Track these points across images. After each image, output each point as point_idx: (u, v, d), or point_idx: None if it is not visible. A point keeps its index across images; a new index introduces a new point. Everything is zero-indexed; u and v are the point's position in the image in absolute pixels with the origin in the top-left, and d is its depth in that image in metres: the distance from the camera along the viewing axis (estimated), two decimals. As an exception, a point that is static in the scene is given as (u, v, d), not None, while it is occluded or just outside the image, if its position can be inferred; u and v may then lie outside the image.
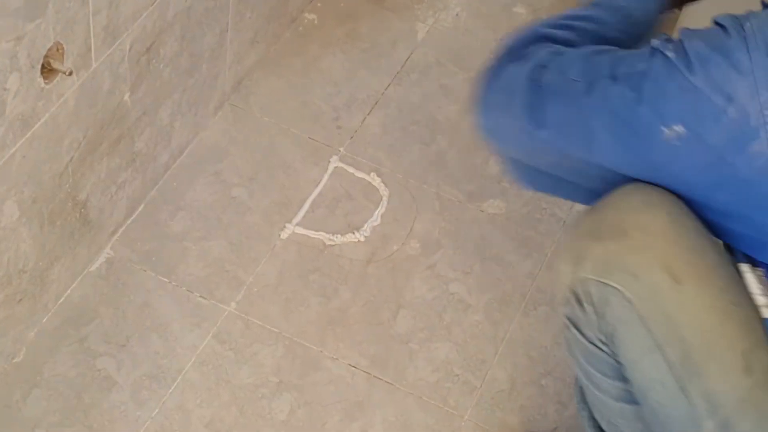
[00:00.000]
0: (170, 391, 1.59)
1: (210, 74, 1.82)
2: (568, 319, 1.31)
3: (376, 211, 1.84)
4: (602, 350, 1.27)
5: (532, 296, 1.76)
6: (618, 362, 1.25)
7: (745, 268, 1.25)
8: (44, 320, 1.62)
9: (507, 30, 2.10)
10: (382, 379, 1.64)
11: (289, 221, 1.80)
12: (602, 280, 1.20)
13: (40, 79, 1.36)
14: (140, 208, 1.77)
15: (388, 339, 1.69)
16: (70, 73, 1.39)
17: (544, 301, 1.75)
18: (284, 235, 1.78)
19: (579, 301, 1.26)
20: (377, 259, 1.78)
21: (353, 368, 1.65)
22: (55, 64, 1.37)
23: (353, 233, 1.80)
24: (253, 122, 1.92)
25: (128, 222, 1.75)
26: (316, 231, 1.80)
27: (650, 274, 1.18)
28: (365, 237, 1.80)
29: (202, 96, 1.84)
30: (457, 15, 2.15)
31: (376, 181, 1.87)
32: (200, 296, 1.69)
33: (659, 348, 1.19)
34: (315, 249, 1.77)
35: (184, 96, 1.76)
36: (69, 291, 1.66)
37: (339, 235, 1.80)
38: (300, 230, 1.79)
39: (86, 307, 1.65)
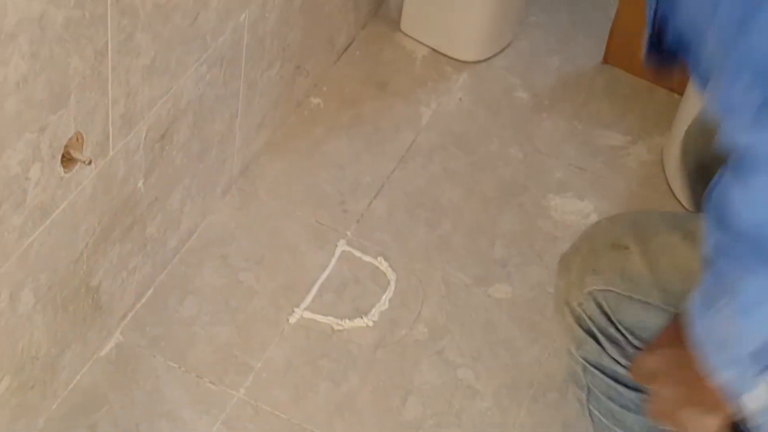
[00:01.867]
0: (180, 478, 1.58)
1: (219, 159, 1.84)
2: (585, 360, 1.32)
3: (384, 296, 1.84)
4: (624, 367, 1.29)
5: (541, 382, 1.75)
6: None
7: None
8: (53, 407, 1.61)
9: (508, 114, 2.14)
10: (391, 467, 1.64)
11: (297, 306, 1.80)
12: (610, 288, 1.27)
13: (60, 169, 1.37)
14: (149, 293, 1.77)
15: (397, 426, 1.68)
16: (90, 163, 1.40)
17: (553, 387, 1.75)
18: (293, 319, 1.78)
19: (591, 327, 1.29)
20: (385, 344, 1.78)
21: (363, 456, 1.65)
22: (75, 154, 1.38)
23: (361, 318, 1.80)
24: (259, 205, 1.93)
25: (138, 307, 1.75)
26: (325, 315, 1.79)
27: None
28: (373, 322, 1.80)
29: (211, 180, 1.85)
30: (460, 99, 2.18)
31: (383, 265, 1.88)
32: (209, 382, 1.68)
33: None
34: (323, 334, 1.77)
35: (194, 181, 1.78)
36: (79, 377, 1.65)
37: (347, 320, 1.79)
38: (308, 315, 1.79)
39: (96, 393, 1.64)
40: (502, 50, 2.27)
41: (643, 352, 1.23)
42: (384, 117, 2.12)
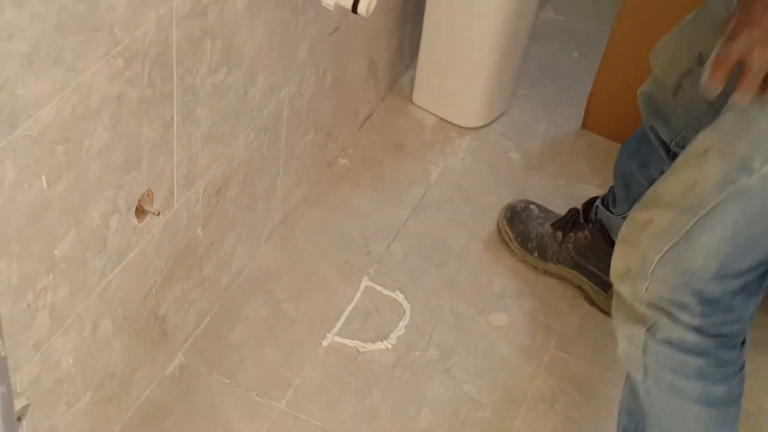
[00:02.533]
0: (232, 476, 1.59)
1: (263, 210, 1.86)
2: (653, 339, 1.27)
3: (401, 323, 1.84)
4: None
5: (533, 395, 1.76)
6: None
7: None
8: (127, 417, 1.62)
9: (504, 172, 2.16)
10: (408, 466, 1.65)
11: (329, 332, 1.81)
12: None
13: (134, 219, 1.39)
14: (206, 321, 1.78)
15: (413, 432, 1.70)
16: (158, 214, 1.42)
17: (544, 400, 1.75)
18: (325, 343, 1.79)
19: (661, 304, 1.25)
20: (402, 363, 1.78)
21: (384, 457, 1.66)
22: (146, 207, 1.40)
23: (382, 341, 1.81)
24: (297, 248, 1.95)
25: (196, 333, 1.76)
26: (352, 340, 1.80)
27: None
28: (392, 345, 1.81)
29: (257, 228, 1.87)
30: (463, 159, 2.19)
31: (400, 298, 1.89)
32: (256, 395, 1.69)
33: None
34: (350, 355, 1.78)
35: (243, 228, 1.79)
36: (148, 392, 1.66)
37: (370, 343, 1.80)
38: (338, 339, 1.80)
39: (162, 405, 1.65)
40: (498, 118, 2.28)
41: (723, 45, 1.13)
42: (399, 174, 2.13)
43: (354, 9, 1.41)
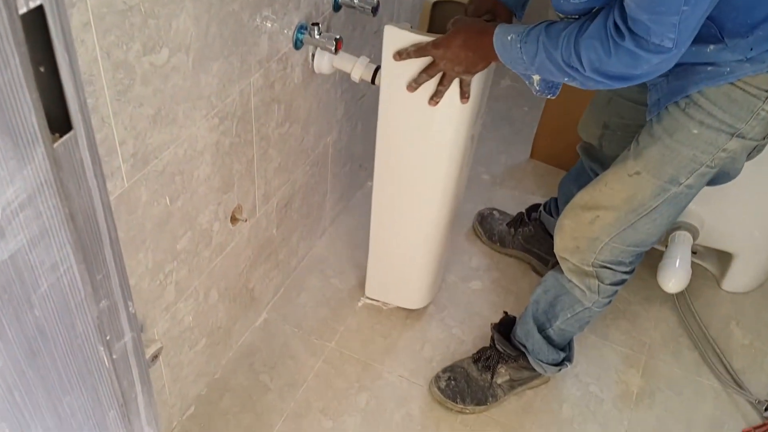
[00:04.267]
0: (300, 391, 1.57)
1: (317, 217, 1.84)
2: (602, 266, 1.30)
3: (410, 289, 1.82)
4: None
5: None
6: None
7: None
8: (230, 354, 1.62)
9: (476, 188, 2.13)
10: (416, 384, 1.62)
11: (363, 295, 1.80)
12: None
13: (229, 224, 1.38)
14: (281, 291, 1.77)
15: (419, 360, 1.67)
16: (246, 221, 1.42)
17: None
18: (360, 303, 1.78)
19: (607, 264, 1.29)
20: (411, 315, 1.77)
21: (401, 377, 1.63)
22: (237, 216, 1.39)
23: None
24: (340, 242, 1.92)
25: (275, 299, 1.75)
26: (376, 301, 1.79)
27: None
28: (404, 303, 1.79)
29: (314, 228, 1.85)
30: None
31: (410, 272, 1.87)
32: (315, 338, 1.68)
33: None
34: (378, 309, 1.77)
35: (304, 229, 1.78)
36: (243, 337, 1.66)
37: (390, 303, 1.79)
38: (368, 301, 1.78)
39: (253, 346, 1.65)
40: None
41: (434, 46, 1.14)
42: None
43: (372, 81, 1.40)
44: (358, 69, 1.39)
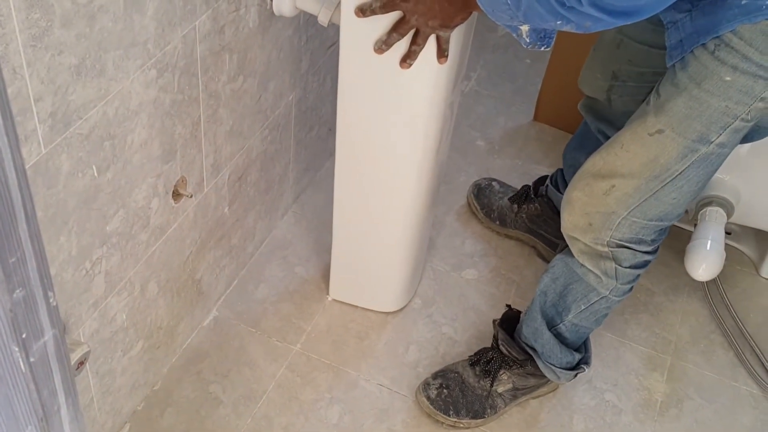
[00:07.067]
0: (258, 405, 1.58)
1: (278, 192, 1.84)
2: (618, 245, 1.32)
3: (391, 280, 1.83)
4: None
5: (498, 334, 1.75)
6: None
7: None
8: (173, 360, 1.62)
9: (473, 156, 2.14)
10: (399, 393, 1.63)
11: (328, 294, 1.79)
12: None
13: (171, 201, 1.38)
14: (235, 283, 1.77)
15: (402, 365, 1.68)
16: (191, 196, 1.41)
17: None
18: (329, 298, 1.78)
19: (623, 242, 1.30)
20: (394, 312, 1.77)
21: (380, 386, 1.64)
22: (181, 190, 1.39)
23: (376, 295, 1.79)
24: (306, 223, 1.93)
25: (227, 292, 1.75)
26: (345, 302, 1.78)
27: None
28: (385, 297, 1.79)
29: (274, 206, 1.85)
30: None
31: (390, 260, 1.87)
32: (276, 340, 1.68)
33: None
34: (351, 307, 1.77)
35: (262, 207, 1.78)
36: (189, 339, 1.65)
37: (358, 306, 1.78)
38: (337, 296, 1.79)
39: (200, 350, 1.65)
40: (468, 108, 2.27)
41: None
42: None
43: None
44: (326, 10, 1.37)
